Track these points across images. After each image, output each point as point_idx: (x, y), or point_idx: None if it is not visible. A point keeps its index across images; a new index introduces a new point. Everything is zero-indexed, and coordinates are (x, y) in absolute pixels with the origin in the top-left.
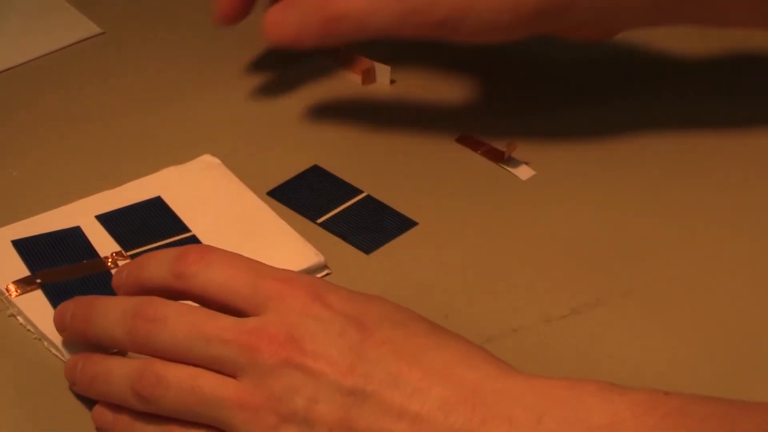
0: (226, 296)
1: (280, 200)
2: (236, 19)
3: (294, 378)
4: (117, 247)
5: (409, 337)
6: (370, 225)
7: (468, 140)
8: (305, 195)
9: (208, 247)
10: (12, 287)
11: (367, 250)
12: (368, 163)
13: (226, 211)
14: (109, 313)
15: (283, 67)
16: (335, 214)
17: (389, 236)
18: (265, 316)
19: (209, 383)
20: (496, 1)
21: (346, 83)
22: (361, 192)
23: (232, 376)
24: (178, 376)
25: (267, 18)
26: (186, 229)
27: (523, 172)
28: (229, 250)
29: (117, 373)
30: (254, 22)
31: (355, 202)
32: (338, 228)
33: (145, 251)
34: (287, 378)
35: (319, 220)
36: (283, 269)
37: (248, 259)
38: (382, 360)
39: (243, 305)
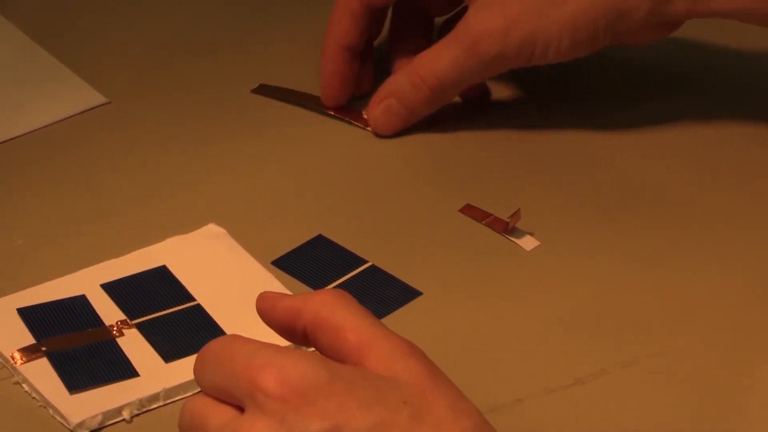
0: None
1: (284, 270)
2: (342, 101)
3: None
4: (122, 316)
5: None
6: (375, 295)
7: (472, 210)
8: (310, 264)
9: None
10: (17, 355)
11: None
12: (373, 233)
13: (231, 281)
14: None
15: (288, 137)
16: (340, 284)
17: (394, 306)
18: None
19: None
20: (554, 31)
21: (351, 154)
22: (366, 262)
23: None
24: None
25: (370, 116)
26: (191, 298)
27: (528, 243)
28: (233, 319)
29: None
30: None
31: (359, 272)
32: None
33: (150, 320)
34: None
35: None
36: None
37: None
38: None
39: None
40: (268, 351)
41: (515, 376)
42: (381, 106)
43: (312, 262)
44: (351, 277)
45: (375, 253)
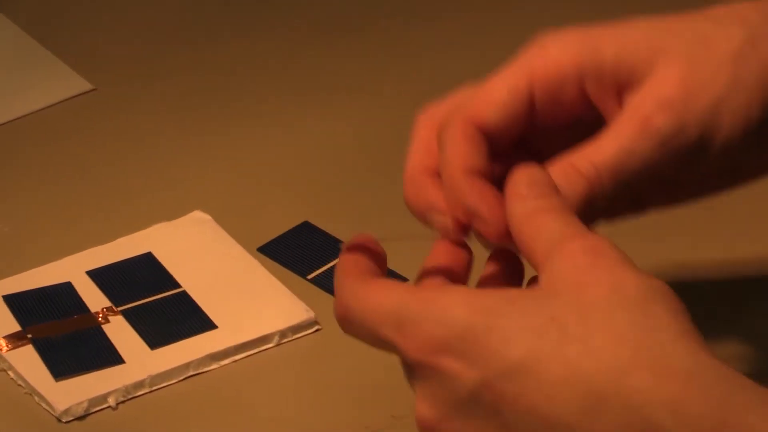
0: None
1: (270, 256)
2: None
3: None
4: (107, 303)
5: None
6: None
7: None
8: (295, 251)
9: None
10: (2, 342)
11: None
12: (359, 220)
13: (217, 267)
14: None
15: (274, 125)
16: (325, 270)
17: None
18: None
19: None
20: (743, 97)
21: (337, 142)
22: None
23: None
24: None
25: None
26: (176, 285)
27: None
28: (219, 306)
29: None
30: (246, 76)
31: None
32: (329, 284)
33: (136, 307)
34: None
35: (310, 276)
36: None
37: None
38: None
39: None
40: (395, 318)
41: None
42: None
43: (298, 248)
44: (337, 264)
45: None
